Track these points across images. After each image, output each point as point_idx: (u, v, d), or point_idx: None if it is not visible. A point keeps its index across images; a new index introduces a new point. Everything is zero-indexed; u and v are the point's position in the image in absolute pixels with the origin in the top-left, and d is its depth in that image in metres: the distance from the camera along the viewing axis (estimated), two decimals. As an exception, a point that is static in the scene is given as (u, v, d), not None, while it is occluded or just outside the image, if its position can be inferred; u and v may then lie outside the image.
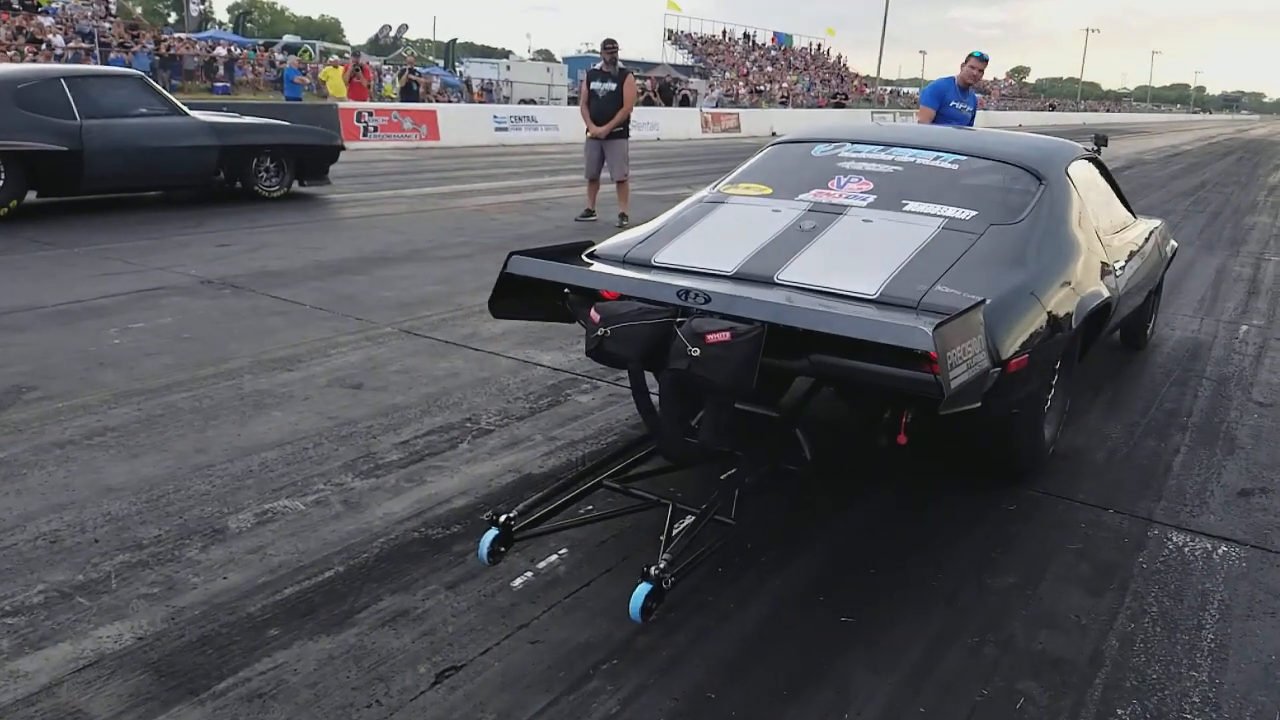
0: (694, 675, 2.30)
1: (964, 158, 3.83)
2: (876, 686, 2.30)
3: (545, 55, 66.49)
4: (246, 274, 6.33)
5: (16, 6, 27.27)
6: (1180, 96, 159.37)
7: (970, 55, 7.23)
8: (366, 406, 3.98)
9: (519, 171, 14.51)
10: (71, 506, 2.98)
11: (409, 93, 22.83)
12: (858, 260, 3.15)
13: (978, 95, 7.86)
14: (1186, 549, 3.09)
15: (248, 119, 10.23)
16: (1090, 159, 4.39)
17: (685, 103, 34.05)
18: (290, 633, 2.38)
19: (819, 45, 67.81)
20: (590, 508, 2.92)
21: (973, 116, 7.30)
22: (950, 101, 7.20)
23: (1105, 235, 4.04)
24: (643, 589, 2.28)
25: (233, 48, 33.29)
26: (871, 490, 3.43)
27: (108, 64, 23.71)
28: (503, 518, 2.55)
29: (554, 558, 2.80)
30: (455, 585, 2.63)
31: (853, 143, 4.03)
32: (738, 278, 3.12)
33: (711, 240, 3.44)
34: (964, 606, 2.67)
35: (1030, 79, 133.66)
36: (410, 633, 2.40)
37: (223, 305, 5.51)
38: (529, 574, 2.71)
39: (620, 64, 9.51)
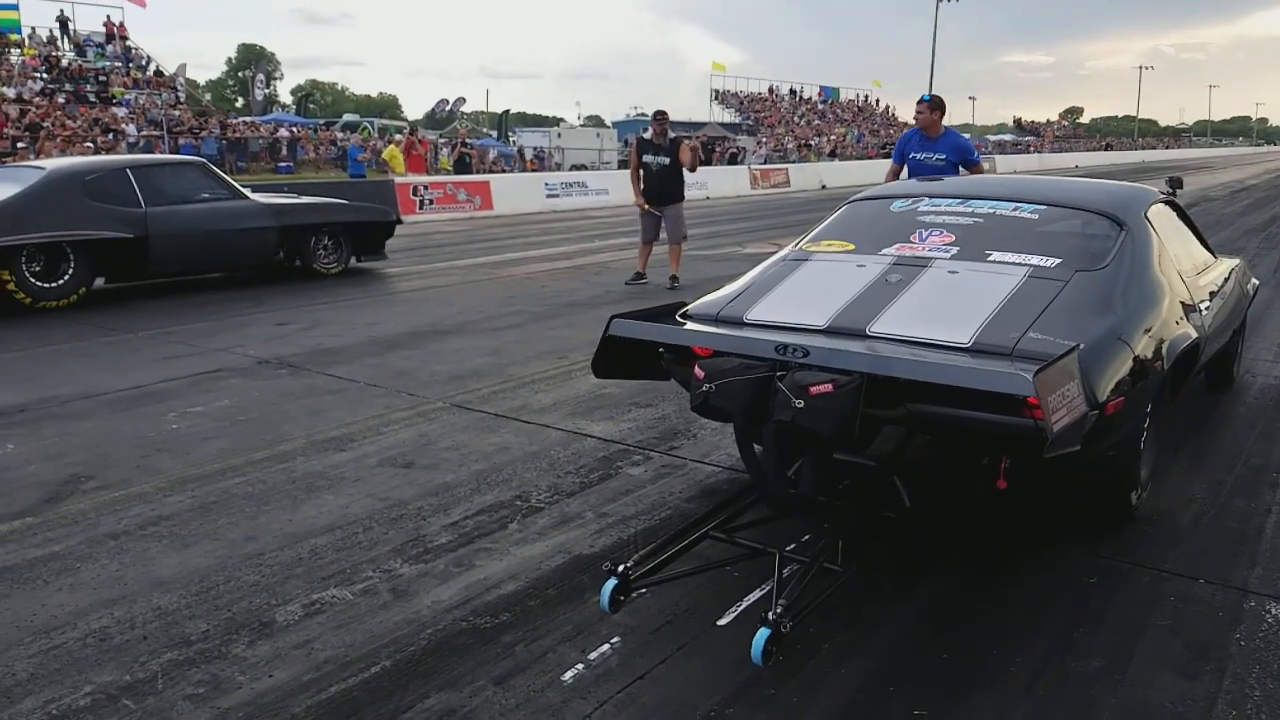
0: (755, 780, 2.16)
1: (1043, 207, 3.87)
2: (955, 790, 2.12)
3: (595, 121, 67.83)
4: (303, 352, 6.41)
5: (93, 100, 28.78)
6: (1241, 129, 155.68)
7: (919, 100, 6.59)
8: (417, 486, 3.94)
9: (569, 237, 14.66)
10: (122, 601, 2.97)
11: (462, 165, 23.37)
12: (947, 310, 3.20)
13: (972, 141, 7.36)
14: (1289, 623, 2.85)
15: (306, 199, 10.52)
16: (1167, 202, 4.39)
17: (733, 160, 34.29)
18: (334, 736, 2.30)
19: (866, 96, 68.07)
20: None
21: (952, 165, 6.45)
22: (912, 153, 6.56)
23: (1188, 277, 4.05)
24: (762, 634, 2.33)
25: (295, 128, 34.61)
26: (937, 563, 3.25)
27: (177, 149, 24.88)
28: (621, 567, 2.65)
29: (606, 647, 2.68)
30: (503, 680, 2.53)
31: (930, 197, 4.09)
32: (830, 332, 3.19)
33: (800, 297, 3.51)
34: (1046, 695, 2.47)
35: (1084, 119, 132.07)
36: (457, 735, 2.30)
37: (279, 386, 5.57)
38: (580, 666, 2.59)
39: (671, 134, 9.38)
